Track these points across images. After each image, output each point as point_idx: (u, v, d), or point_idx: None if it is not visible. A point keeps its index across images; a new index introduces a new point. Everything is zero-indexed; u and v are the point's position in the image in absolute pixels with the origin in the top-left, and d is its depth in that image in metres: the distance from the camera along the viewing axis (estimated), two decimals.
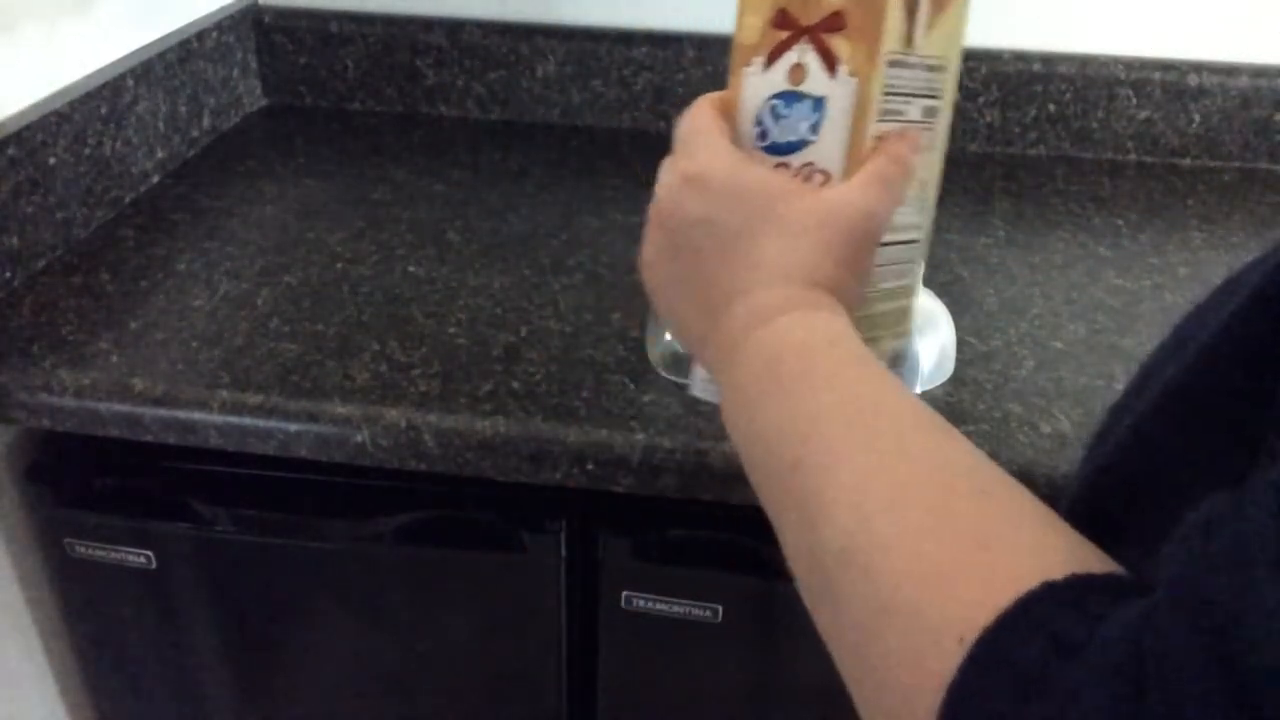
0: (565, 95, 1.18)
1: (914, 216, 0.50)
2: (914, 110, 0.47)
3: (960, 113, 1.14)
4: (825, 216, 0.44)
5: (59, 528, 0.81)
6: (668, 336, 0.74)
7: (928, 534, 0.31)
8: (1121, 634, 0.25)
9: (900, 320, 0.53)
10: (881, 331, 0.51)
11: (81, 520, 0.80)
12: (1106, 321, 0.83)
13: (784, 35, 0.46)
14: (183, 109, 1.06)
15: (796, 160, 0.47)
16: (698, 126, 0.48)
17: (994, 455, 0.68)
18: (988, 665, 0.27)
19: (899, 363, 0.53)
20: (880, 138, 0.46)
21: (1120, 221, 1.00)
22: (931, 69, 0.47)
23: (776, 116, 0.47)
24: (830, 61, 0.45)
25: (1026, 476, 0.66)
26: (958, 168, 1.11)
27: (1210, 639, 0.22)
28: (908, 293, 0.52)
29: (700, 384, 0.58)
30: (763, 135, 0.48)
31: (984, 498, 0.33)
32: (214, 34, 1.11)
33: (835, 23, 0.45)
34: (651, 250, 0.49)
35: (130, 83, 0.97)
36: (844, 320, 0.43)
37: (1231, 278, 0.37)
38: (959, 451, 0.35)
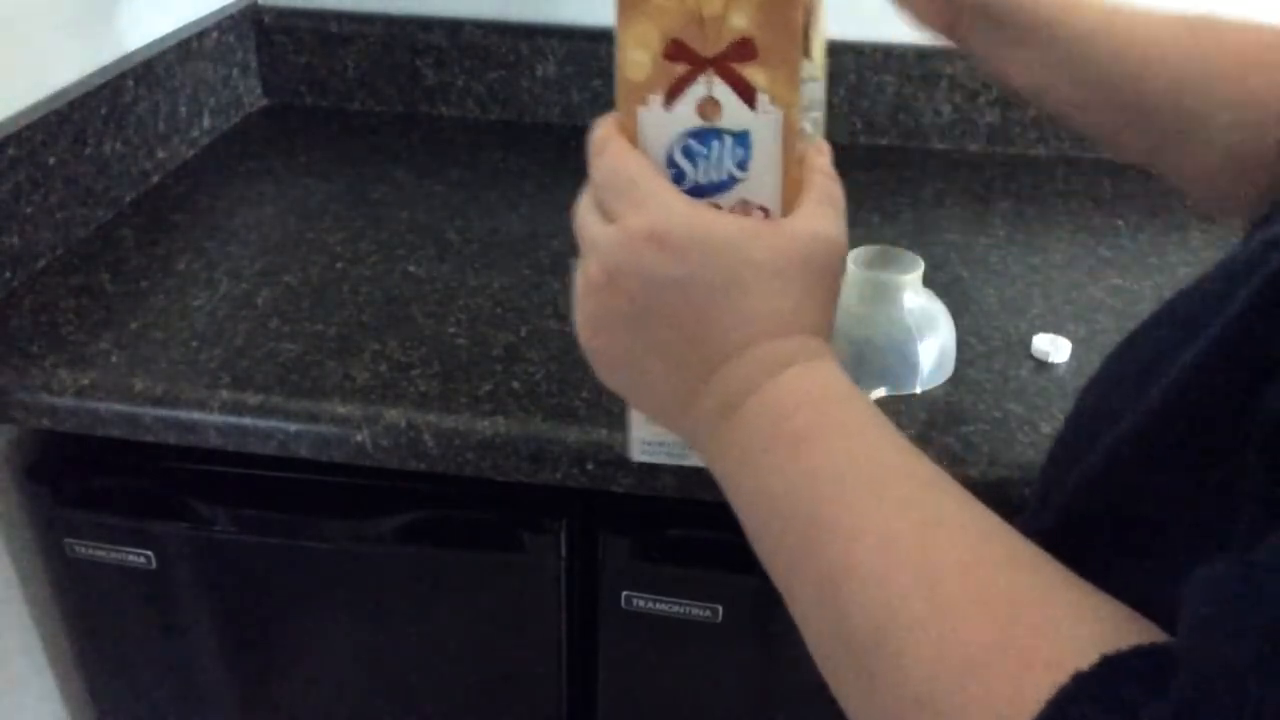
0: (565, 95, 1.18)
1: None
2: (807, 124, 0.44)
3: (960, 113, 1.14)
4: (801, 255, 0.41)
5: (59, 528, 0.81)
6: None
7: (962, 612, 0.30)
8: None
9: None
10: None
11: (81, 520, 0.80)
12: (1106, 321, 0.83)
13: (682, 69, 0.41)
14: (183, 109, 1.06)
15: (727, 200, 0.43)
16: (629, 172, 0.41)
17: (994, 455, 0.68)
18: None
19: None
20: (800, 158, 0.42)
21: (1120, 221, 1.00)
22: (816, 79, 0.44)
23: (693, 156, 0.42)
24: (747, 93, 0.41)
25: (1026, 476, 0.66)
26: (958, 168, 1.11)
27: None
28: None
29: (640, 447, 0.50)
30: (679, 177, 0.43)
31: (1014, 567, 0.32)
32: (214, 34, 1.11)
33: (745, 51, 0.40)
34: (602, 319, 0.42)
35: (130, 83, 0.97)
36: (840, 369, 0.41)
37: (1190, 290, 0.37)
38: (982, 515, 0.34)
